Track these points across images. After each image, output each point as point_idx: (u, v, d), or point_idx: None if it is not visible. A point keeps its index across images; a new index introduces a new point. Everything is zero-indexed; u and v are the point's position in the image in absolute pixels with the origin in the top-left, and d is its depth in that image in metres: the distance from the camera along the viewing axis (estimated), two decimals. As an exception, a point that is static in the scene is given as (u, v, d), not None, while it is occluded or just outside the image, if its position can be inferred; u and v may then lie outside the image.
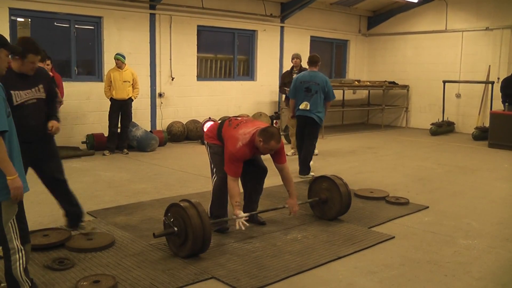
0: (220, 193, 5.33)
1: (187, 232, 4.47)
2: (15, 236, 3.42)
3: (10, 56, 3.59)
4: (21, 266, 3.45)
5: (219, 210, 5.37)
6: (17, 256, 3.43)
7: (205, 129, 11.57)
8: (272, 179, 7.22)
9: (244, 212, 5.60)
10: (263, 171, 5.61)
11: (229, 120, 5.34)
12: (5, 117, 3.26)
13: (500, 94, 12.77)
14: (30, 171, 4.57)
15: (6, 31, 9.33)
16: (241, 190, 5.60)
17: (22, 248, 3.46)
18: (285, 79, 10.08)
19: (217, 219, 5.28)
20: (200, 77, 12.98)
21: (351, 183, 7.72)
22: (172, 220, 4.60)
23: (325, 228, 5.54)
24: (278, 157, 5.28)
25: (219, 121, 5.50)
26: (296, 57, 10.06)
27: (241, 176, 5.51)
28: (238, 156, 5.01)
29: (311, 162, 8.26)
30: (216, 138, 5.34)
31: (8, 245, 3.42)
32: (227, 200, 5.41)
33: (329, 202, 5.80)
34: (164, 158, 9.90)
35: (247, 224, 5.00)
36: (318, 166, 8.84)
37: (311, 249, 4.88)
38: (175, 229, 4.56)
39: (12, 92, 4.29)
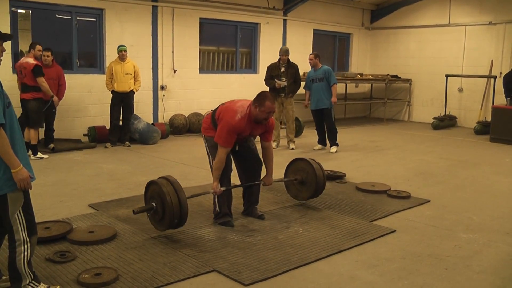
0: (224, 181, 5.33)
1: (165, 208, 4.66)
2: (22, 228, 3.42)
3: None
4: (25, 258, 3.45)
5: (224, 203, 5.37)
6: (23, 248, 3.43)
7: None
8: (274, 174, 7.23)
9: (245, 207, 5.76)
10: (259, 163, 5.62)
11: (222, 104, 5.37)
12: (2, 110, 3.25)
13: (502, 88, 12.75)
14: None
15: (6, 23, 9.32)
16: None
17: (28, 240, 3.46)
18: (273, 72, 10.13)
19: (226, 215, 5.35)
20: (203, 69, 12.97)
21: (353, 176, 7.77)
22: (150, 197, 4.85)
23: (326, 221, 5.55)
24: (267, 135, 5.40)
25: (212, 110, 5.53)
26: (284, 54, 10.11)
27: (238, 169, 5.63)
28: (236, 128, 5.04)
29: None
30: (212, 127, 5.31)
31: (14, 236, 3.42)
32: (231, 194, 5.46)
33: (305, 184, 5.95)
34: (166, 150, 9.90)
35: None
36: (320, 160, 8.84)
37: (312, 242, 4.89)
38: (154, 205, 4.77)
39: None
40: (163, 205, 4.66)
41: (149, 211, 4.84)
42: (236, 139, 5.14)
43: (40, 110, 8.76)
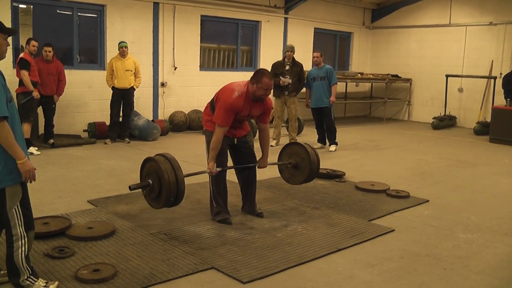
0: (218, 180, 5.31)
1: (161, 185, 4.57)
2: (19, 223, 3.43)
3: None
4: (23, 253, 3.45)
5: (222, 197, 5.37)
6: (20, 243, 3.44)
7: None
8: (273, 171, 7.25)
9: (243, 203, 5.75)
10: (254, 160, 5.59)
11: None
12: (5, 103, 3.26)
13: (502, 89, 12.76)
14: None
15: (7, 18, 9.30)
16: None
17: (25, 235, 3.46)
18: (277, 70, 10.17)
19: (220, 207, 5.33)
20: (203, 67, 12.96)
21: (352, 175, 7.77)
22: (147, 174, 4.75)
23: (325, 220, 5.55)
24: (265, 117, 5.38)
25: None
26: (290, 50, 10.20)
27: (235, 165, 5.59)
28: (234, 106, 5.02)
29: None
30: (211, 118, 5.27)
31: (11, 231, 3.43)
32: (226, 187, 5.43)
33: (298, 168, 5.89)
34: (166, 147, 9.89)
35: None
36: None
37: (311, 241, 4.89)
38: (150, 182, 4.67)
39: None
40: (160, 182, 4.58)
41: (145, 188, 4.76)
42: (234, 118, 5.11)
43: (24, 103, 8.69)
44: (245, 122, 5.49)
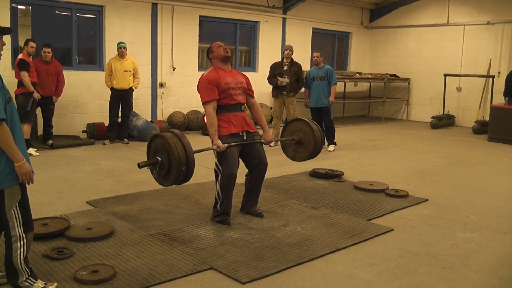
0: (227, 188, 5.24)
1: (171, 161, 4.55)
2: (18, 224, 3.42)
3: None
4: (21, 254, 3.45)
5: (227, 205, 5.32)
6: (19, 244, 3.43)
7: (205, 120, 11.63)
8: (271, 171, 7.25)
9: (243, 204, 5.71)
10: (264, 165, 5.53)
11: None
12: (3, 105, 3.25)
13: (501, 88, 12.74)
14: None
15: (7, 19, 9.31)
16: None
17: (24, 236, 3.45)
18: (276, 70, 10.22)
19: (225, 214, 5.31)
20: (202, 67, 12.94)
21: (351, 175, 7.77)
22: (155, 151, 4.73)
23: (324, 220, 5.55)
24: (250, 87, 5.57)
25: None
26: (288, 48, 10.29)
27: (243, 159, 5.52)
28: (210, 79, 5.23)
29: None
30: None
31: (10, 232, 3.42)
32: (232, 195, 5.36)
33: (302, 144, 5.94)
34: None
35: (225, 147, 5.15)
36: (318, 158, 8.83)
37: (310, 241, 4.89)
38: (159, 159, 4.65)
39: None
40: (169, 157, 4.54)
41: (154, 165, 4.71)
42: (225, 92, 5.22)
43: (26, 104, 8.72)
44: (247, 118, 5.43)
